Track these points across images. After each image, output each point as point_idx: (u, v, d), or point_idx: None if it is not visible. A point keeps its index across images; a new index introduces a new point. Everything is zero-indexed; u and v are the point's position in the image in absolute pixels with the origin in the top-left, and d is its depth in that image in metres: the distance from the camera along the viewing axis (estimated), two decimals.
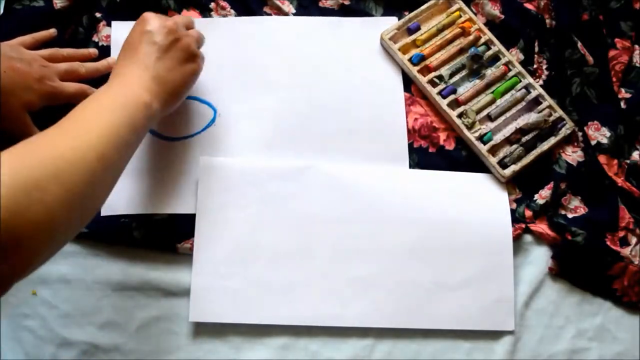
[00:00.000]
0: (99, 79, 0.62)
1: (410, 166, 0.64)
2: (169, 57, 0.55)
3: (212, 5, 0.68)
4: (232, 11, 0.68)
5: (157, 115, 0.53)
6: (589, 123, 0.66)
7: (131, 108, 0.50)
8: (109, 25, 0.66)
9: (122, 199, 0.61)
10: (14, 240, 0.38)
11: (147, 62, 0.53)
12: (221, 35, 0.67)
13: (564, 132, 0.65)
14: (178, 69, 0.55)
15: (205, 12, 0.68)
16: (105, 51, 0.65)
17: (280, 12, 0.68)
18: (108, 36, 0.66)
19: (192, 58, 0.57)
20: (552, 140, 0.65)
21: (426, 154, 0.65)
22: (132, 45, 0.54)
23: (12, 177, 0.39)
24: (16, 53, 0.57)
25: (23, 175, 0.40)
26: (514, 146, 0.64)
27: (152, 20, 0.55)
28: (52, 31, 0.64)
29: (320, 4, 0.69)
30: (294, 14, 0.68)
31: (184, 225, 0.60)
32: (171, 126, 0.64)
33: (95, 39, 0.66)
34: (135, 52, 0.54)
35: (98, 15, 0.66)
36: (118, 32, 0.66)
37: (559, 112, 0.66)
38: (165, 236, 0.60)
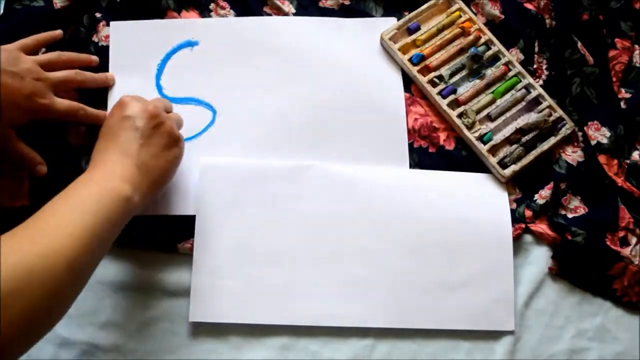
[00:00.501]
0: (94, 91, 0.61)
1: (411, 166, 0.64)
2: (152, 143, 0.52)
3: (212, 5, 0.68)
4: (232, 11, 0.68)
5: (137, 207, 0.50)
6: (589, 123, 0.67)
7: (111, 204, 0.47)
8: (108, 25, 0.66)
9: None
10: None
11: (130, 149, 0.51)
12: (221, 36, 0.67)
13: (564, 132, 0.65)
14: (162, 155, 0.53)
15: (205, 12, 0.68)
16: (104, 51, 0.65)
17: (280, 12, 0.69)
18: (108, 36, 0.66)
19: (175, 142, 0.54)
20: (552, 140, 0.65)
21: (426, 154, 0.65)
22: (112, 131, 0.52)
23: None
24: (12, 64, 0.54)
25: None
26: (514, 146, 0.65)
27: (132, 105, 0.53)
28: (58, 32, 0.62)
29: (320, 4, 0.69)
30: (294, 14, 0.68)
31: (184, 226, 0.60)
32: None
33: (95, 39, 0.66)
34: (116, 138, 0.51)
35: (98, 15, 0.66)
36: (117, 32, 0.66)
37: (559, 112, 0.66)
38: (165, 236, 0.60)
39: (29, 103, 0.55)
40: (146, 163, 0.51)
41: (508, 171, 0.63)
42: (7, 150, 0.57)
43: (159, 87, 0.66)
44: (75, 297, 0.45)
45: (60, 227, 0.44)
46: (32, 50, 0.59)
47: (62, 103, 0.57)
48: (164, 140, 0.53)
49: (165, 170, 0.54)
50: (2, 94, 0.53)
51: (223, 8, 0.68)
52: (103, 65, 0.65)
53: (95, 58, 0.63)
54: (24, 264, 0.40)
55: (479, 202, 0.63)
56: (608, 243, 0.62)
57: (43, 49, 0.63)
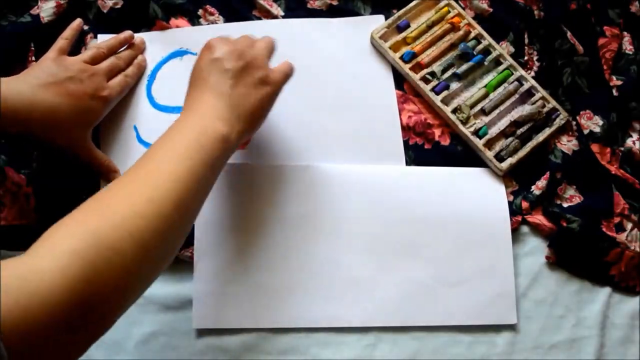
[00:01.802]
0: None
1: (407, 163, 0.65)
2: (242, 82, 0.52)
3: (200, 12, 0.68)
4: (221, 17, 0.68)
5: (234, 147, 0.51)
6: (581, 112, 0.67)
7: (208, 145, 0.48)
8: (96, 37, 0.66)
9: None
10: (92, 310, 0.38)
11: (221, 91, 0.51)
12: None
13: (558, 122, 0.66)
14: (253, 94, 0.53)
15: (194, 19, 0.68)
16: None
17: (269, 15, 0.69)
18: None
19: (266, 80, 0.54)
20: (547, 131, 0.66)
21: (422, 151, 0.65)
22: (202, 75, 0.53)
23: (91, 243, 0.39)
24: (64, 70, 0.57)
25: (101, 239, 0.39)
26: (510, 139, 0.65)
27: (220, 46, 0.53)
28: (78, 21, 0.64)
29: (309, 5, 0.70)
30: (283, 17, 0.69)
31: None
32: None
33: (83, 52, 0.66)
34: (205, 82, 0.52)
35: (85, 27, 0.66)
36: None
37: (553, 103, 0.67)
38: None
39: (96, 101, 0.57)
40: (238, 102, 0.52)
41: (505, 164, 0.64)
42: (82, 156, 0.60)
43: (150, 97, 0.66)
44: (183, 239, 0.47)
45: (163, 172, 0.45)
46: (68, 50, 0.61)
47: (116, 86, 0.60)
48: (254, 78, 0.53)
49: (257, 108, 0.53)
50: (74, 100, 0.55)
51: (212, 14, 0.68)
52: None
53: (129, 32, 0.65)
54: (134, 210, 0.42)
55: (476, 196, 0.64)
56: (604, 229, 0.63)
57: None
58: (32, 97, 0.54)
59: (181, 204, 0.44)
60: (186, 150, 0.47)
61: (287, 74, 0.57)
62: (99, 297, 0.38)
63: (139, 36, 0.66)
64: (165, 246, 0.44)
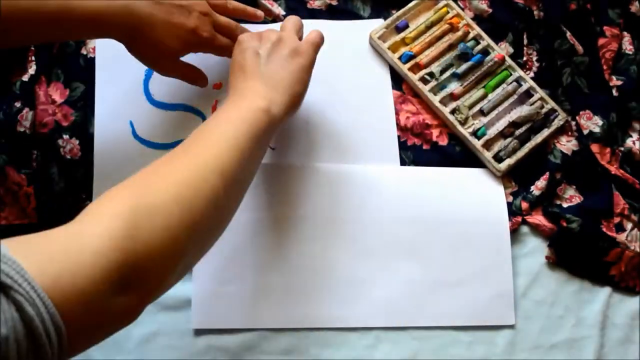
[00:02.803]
0: None
1: (406, 163, 0.65)
2: (273, 59, 0.55)
3: None
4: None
5: (278, 120, 0.53)
6: (581, 112, 0.68)
7: (250, 118, 0.50)
8: None
9: None
10: (139, 269, 0.38)
11: (256, 71, 0.54)
12: None
13: (557, 123, 0.67)
14: (285, 67, 0.55)
15: None
16: (93, 64, 0.66)
17: (270, 13, 0.69)
18: (95, 48, 0.67)
19: (296, 52, 0.56)
20: (546, 132, 0.66)
21: (420, 151, 0.66)
22: (238, 64, 0.55)
23: (134, 204, 0.40)
24: None
25: (145, 201, 0.40)
26: (508, 140, 0.66)
27: (249, 39, 0.57)
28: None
29: (308, 5, 0.70)
30: (284, 16, 0.69)
31: None
32: (161, 134, 0.65)
33: (84, 51, 0.67)
34: (242, 68, 0.55)
35: None
36: (102, 41, 0.66)
37: (551, 104, 0.67)
38: None
39: (192, 36, 0.58)
40: (271, 77, 0.54)
41: (503, 165, 0.64)
42: (169, 74, 0.62)
43: (147, 93, 0.66)
44: (232, 211, 0.49)
45: (208, 146, 0.47)
46: None
47: (223, 39, 0.61)
48: (285, 52, 0.56)
49: (293, 79, 0.55)
50: (171, 27, 0.56)
51: None
52: (91, 74, 0.66)
53: (261, 13, 0.66)
54: (178, 177, 0.44)
55: (475, 197, 0.64)
56: (604, 229, 0.63)
57: None
58: (132, 4, 0.54)
59: (225, 173, 0.46)
60: (229, 127, 0.49)
61: (317, 44, 0.58)
62: (145, 255, 0.39)
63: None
64: (211, 215, 0.45)
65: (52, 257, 0.35)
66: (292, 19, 0.59)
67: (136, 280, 0.39)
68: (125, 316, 0.40)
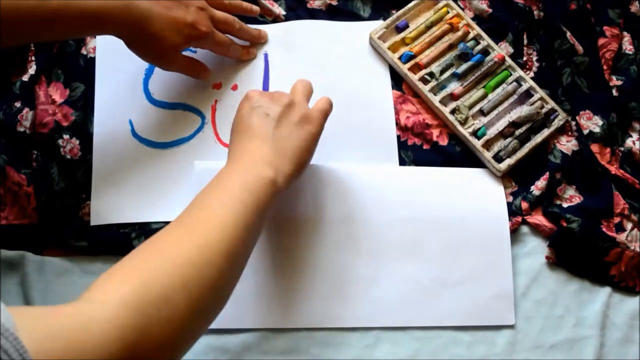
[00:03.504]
0: None
1: (406, 163, 0.66)
2: (284, 124, 0.54)
3: None
4: None
5: (282, 190, 0.52)
6: (581, 112, 0.68)
7: (257, 191, 0.49)
8: (95, 37, 0.67)
9: (113, 208, 0.62)
10: (142, 359, 0.38)
11: (264, 135, 0.53)
12: None
13: (557, 123, 0.67)
14: (295, 134, 0.54)
15: None
16: (93, 64, 0.67)
17: (270, 13, 0.70)
18: (95, 48, 0.67)
19: (306, 119, 0.55)
20: (546, 132, 0.66)
21: (420, 151, 0.66)
22: (244, 123, 0.54)
23: (142, 292, 0.39)
24: None
25: (152, 288, 0.40)
26: (508, 140, 0.66)
27: (258, 96, 0.56)
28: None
29: (308, 5, 0.71)
30: (284, 16, 0.70)
31: None
32: (160, 133, 0.65)
33: (83, 51, 0.67)
34: (248, 128, 0.54)
35: None
36: (104, 37, 0.66)
37: (551, 104, 0.68)
38: None
39: (190, 30, 0.59)
40: (282, 144, 0.53)
41: (503, 165, 0.65)
42: (170, 69, 0.63)
43: (147, 92, 0.67)
44: (233, 288, 0.48)
45: (214, 219, 0.46)
46: None
47: (220, 35, 0.62)
48: (295, 118, 0.55)
49: (302, 148, 0.54)
50: (169, 21, 0.57)
51: None
52: (91, 74, 0.66)
53: (257, 8, 0.67)
54: (185, 259, 0.43)
55: (475, 197, 0.65)
56: (604, 229, 0.64)
57: None
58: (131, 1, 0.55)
59: (231, 252, 0.45)
60: (235, 198, 0.48)
61: (327, 111, 0.58)
62: (150, 348, 0.39)
63: (264, 31, 0.68)
64: (216, 295, 0.45)
65: (56, 337, 0.35)
66: (303, 83, 0.59)
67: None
68: None
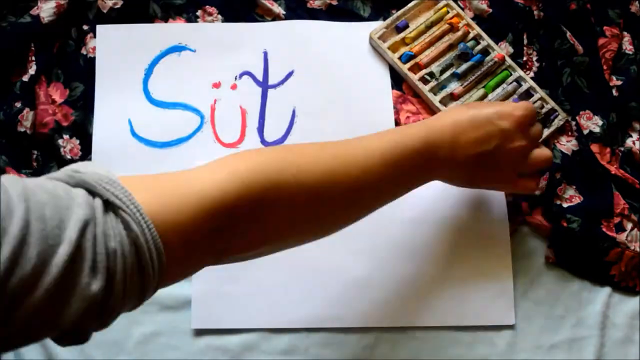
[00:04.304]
0: None
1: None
2: (496, 164, 0.54)
3: (199, 12, 0.70)
4: (220, 16, 0.69)
5: (433, 177, 0.53)
6: (581, 112, 0.68)
7: (412, 167, 0.50)
8: (96, 36, 0.68)
9: None
10: (239, 220, 0.40)
11: (468, 151, 0.52)
12: (209, 40, 0.68)
13: (556, 123, 0.67)
14: (484, 183, 0.56)
15: (193, 20, 0.69)
16: (93, 63, 0.67)
17: (270, 13, 0.70)
18: (95, 48, 0.67)
19: (517, 177, 0.56)
20: (546, 132, 0.66)
21: None
22: (476, 122, 0.52)
23: (255, 170, 0.41)
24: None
25: (265, 171, 0.42)
26: None
27: (513, 122, 0.53)
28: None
29: (308, 5, 0.71)
30: (284, 15, 0.70)
31: None
32: (159, 132, 0.66)
33: (83, 51, 0.67)
34: (481, 141, 0.52)
35: (85, 27, 0.68)
36: (103, 36, 0.67)
37: (551, 104, 0.68)
38: None
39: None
40: (471, 171, 0.54)
41: None
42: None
43: (147, 92, 0.67)
44: (344, 221, 0.49)
45: (357, 153, 0.48)
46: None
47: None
48: (506, 170, 0.55)
49: (474, 185, 0.57)
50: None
51: (210, 14, 0.69)
52: (91, 74, 0.66)
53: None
54: (311, 162, 0.45)
55: (475, 197, 0.65)
56: (604, 229, 0.64)
57: None
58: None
59: (366, 179, 0.47)
60: (386, 154, 0.49)
61: (533, 189, 0.58)
62: (248, 216, 0.41)
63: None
64: (325, 209, 0.46)
65: (160, 193, 0.38)
66: (549, 155, 0.56)
67: (234, 230, 0.40)
68: (220, 253, 0.42)
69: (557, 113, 0.68)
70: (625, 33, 0.72)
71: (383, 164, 0.48)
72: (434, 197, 0.65)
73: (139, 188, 0.36)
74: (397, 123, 0.67)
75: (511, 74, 0.69)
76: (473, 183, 0.56)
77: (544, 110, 0.67)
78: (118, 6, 0.68)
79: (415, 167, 0.50)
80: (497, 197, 0.65)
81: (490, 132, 0.52)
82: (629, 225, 0.65)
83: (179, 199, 0.38)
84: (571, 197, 0.66)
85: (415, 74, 0.68)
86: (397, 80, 0.69)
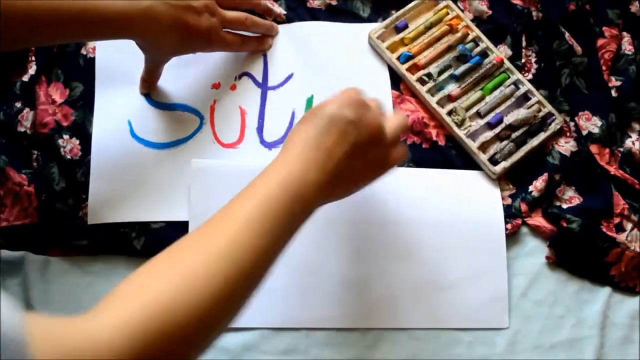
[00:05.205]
0: None
1: (404, 163, 0.66)
2: (359, 156, 0.50)
3: None
4: None
5: (317, 206, 0.50)
6: (580, 113, 0.68)
7: (295, 209, 0.47)
8: None
9: (111, 207, 0.63)
10: None
11: (335, 157, 0.49)
12: None
13: (553, 127, 0.67)
14: (365, 174, 0.53)
15: None
16: (93, 64, 0.68)
17: (270, 13, 0.71)
18: (95, 48, 0.68)
19: (386, 162, 0.54)
20: (542, 136, 0.67)
21: (420, 150, 0.67)
22: (322, 126, 0.49)
23: (144, 315, 0.38)
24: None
25: (156, 311, 0.39)
26: (504, 142, 0.66)
27: (355, 105, 0.50)
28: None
29: (308, 5, 0.72)
30: (285, 15, 0.71)
31: (184, 233, 0.62)
32: (159, 133, 0.66)
33: (83, 51, 0.68)
34: (320, 137, 0.49)
35: None
36: (103, 41, 0.67)
37: (548, 107, 0.68)
38: (166, 245, 0.62)
39: (206, 39, 0.61)
40: (344, 176, 0.50)
41: (498, 168, 0.65)
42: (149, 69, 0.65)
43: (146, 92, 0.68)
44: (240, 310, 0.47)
45: (235, 234, 0.45)
46: None
47: (229, 37, 0.64)
48: (374, 157, 0.52)
49: (359, 187, 0.54)
50: (184, 32, 0.58)
51: None
52: (91, 74, 0.67)
53: (263, 2, 0.68)
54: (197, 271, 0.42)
55: (471, 199, 0.65)
56: (604, 230, 0.64)
57: None
58: (153, 5, 0.56)
59: (243, 276, 0.45)
60: (264, 215, 0.46)
61: (401, 163, 0.58)
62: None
63: (275, 24, 0.70)
64: (222, 314, 0.44)
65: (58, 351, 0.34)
66: (403, 121, 0.55)
67: None
68: None
69: (554, 117, 0.68)
70: (625, 33, 0.73)
71: (256, 236, 0.45)
72: (430, 198, 0.65)
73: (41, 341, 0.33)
74: None
75: (509, 77, 0.69)
76: (360, 181, 0.53)
77: (540, 114, 0.68)
78: None
79: (290, 211, 0.47)
80: (494, 200, 0.65)
81: (342, 128, 0.49)
82: (629, 226, 0.65)
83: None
84: (571, 198, 0.66)
85: (413, 74, 0.68)
86: (395, 80, 0.69)
